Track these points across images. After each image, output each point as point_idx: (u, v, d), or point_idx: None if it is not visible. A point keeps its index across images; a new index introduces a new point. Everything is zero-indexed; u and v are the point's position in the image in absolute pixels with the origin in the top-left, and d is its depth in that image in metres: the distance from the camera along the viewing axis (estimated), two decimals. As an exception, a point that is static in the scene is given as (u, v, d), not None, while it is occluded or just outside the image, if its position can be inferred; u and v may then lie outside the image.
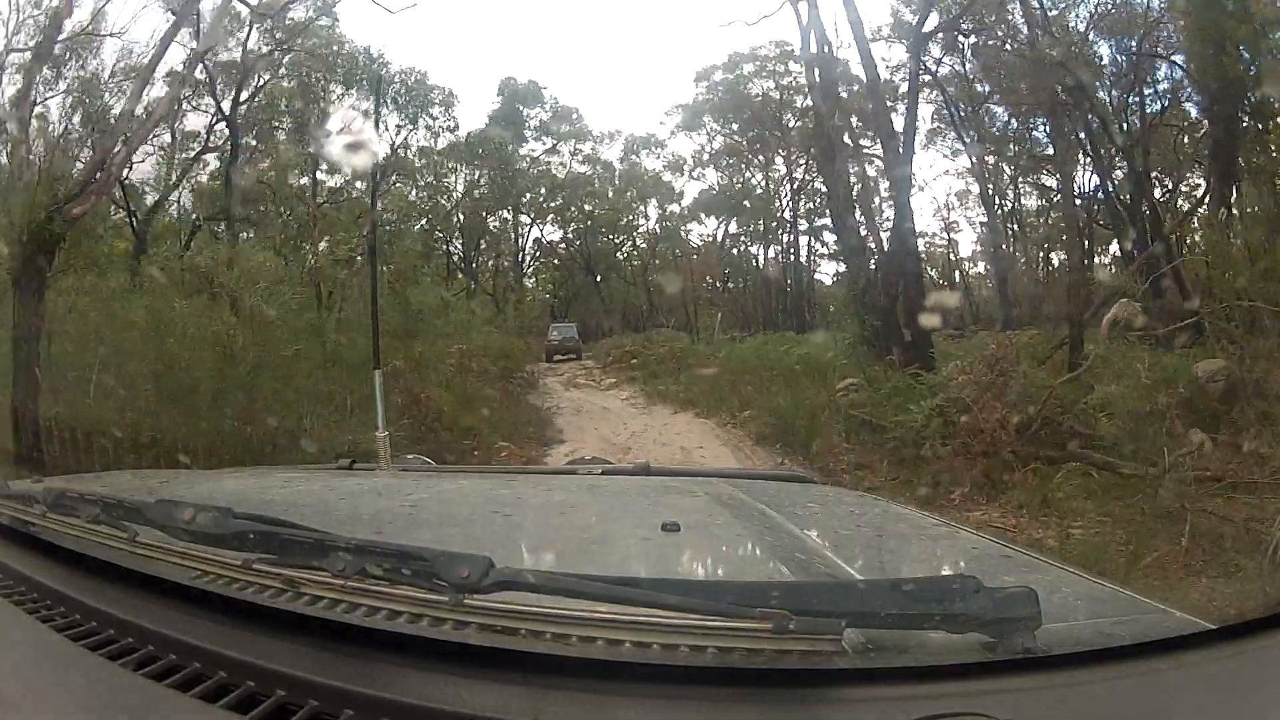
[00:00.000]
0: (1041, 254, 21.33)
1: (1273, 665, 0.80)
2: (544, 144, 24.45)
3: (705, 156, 24.56)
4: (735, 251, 24.85)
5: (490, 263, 24.97)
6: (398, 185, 20.38)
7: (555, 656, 0.74)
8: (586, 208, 25.24)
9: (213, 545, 0.92)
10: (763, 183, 24.34)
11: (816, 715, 0.71)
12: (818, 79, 13.28)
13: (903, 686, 0.72)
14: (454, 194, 23.61)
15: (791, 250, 24.23)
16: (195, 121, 15.92)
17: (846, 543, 1.33)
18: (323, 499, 1.47)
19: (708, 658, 0.73)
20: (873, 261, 12.13)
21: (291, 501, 1.44)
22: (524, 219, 25.31)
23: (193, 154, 16.27)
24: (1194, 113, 15.25)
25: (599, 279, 25.54)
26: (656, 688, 0.71)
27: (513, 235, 24.95)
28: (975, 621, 0.73)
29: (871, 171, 21.47)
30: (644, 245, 25.73)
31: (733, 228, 24.87)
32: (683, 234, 25.33)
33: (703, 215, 24.85)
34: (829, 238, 23.39)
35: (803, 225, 23.92)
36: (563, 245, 25.70)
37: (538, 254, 26.05)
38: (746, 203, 24.31)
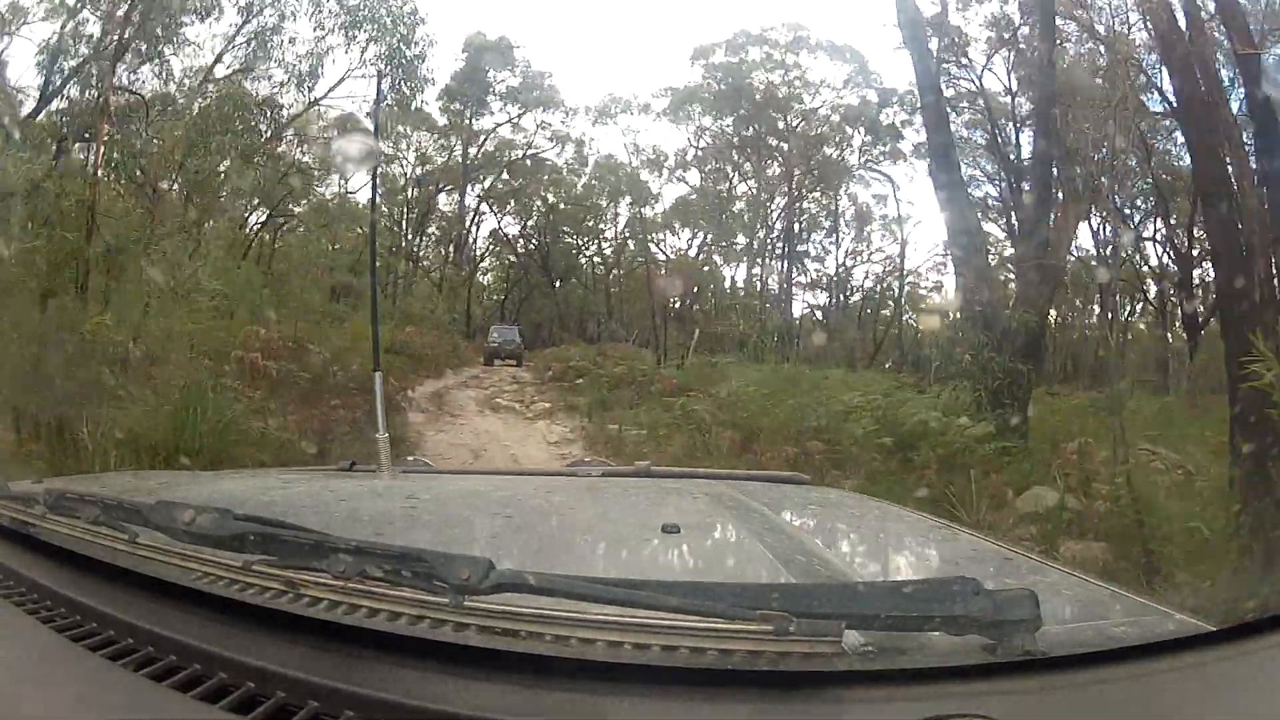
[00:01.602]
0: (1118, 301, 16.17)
1: (1273, 666, 0.80)
2: (508, 114, 21.38)
3: (690, 155, 21.84)
4: (706, 269, 22.62)
5: (440, 250, 22.50)
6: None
7: (555, 658, 0.74)
8: (549, 198, 22.63)
9: (213, 546, 0.92)
10: (751, 191, 21.89)
11: (816, 717, 0.71)
12: (917, 41, 10.83)
13: (903, 688, 0.72)
14: (401, 160, 20.36)
15: (779, 273, 21.83)
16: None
17: (846, 544, 1.33)
18: (323, 500, 1.47)
19: (708, 659, 0.73)
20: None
21: (291, 503, 1.44)
22: (479, 203, 22.44)
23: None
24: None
25: (556, 281, 23.15)
26: (657, 689, 0.71)
27: (462, 219, 22.13)
28: (975, 623, 0.73)
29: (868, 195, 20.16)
30: (609, 250, 23.37)
31: (701, 240, 22.38)
32: (654, 242, 22.83)
33: (677, 224, 22.41)
34: (810, 265, 21.59)
35: (778, 249, 21.55)
36: (520, 239, 23.32)
37: (494, 247, 23.66)
38: (728, 214, 21.86)
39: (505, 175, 22.25)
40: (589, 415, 11.54)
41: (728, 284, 22.68)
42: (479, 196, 22.46)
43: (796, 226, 21.44)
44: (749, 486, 1.68)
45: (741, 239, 22.06)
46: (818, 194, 21.36)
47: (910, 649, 0.75)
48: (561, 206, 22.77)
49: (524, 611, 0.77)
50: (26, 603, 0.93)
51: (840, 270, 21.90)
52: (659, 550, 1.13)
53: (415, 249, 21.83)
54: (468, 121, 21.36)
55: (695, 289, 22.17)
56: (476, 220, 22.75)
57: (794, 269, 21.75)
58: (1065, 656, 0.75)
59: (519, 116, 21.75)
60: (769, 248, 21.73)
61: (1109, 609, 1.06)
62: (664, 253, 23.03)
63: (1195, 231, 14.71)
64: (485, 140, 21.78)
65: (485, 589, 0.77)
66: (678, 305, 21.60)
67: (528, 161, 22.33)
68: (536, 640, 0.76)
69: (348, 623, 0.79)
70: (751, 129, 21.02)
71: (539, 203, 22.89)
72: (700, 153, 22.02)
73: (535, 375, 16.10)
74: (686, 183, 22.51)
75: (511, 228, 23.31)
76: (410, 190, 21.31)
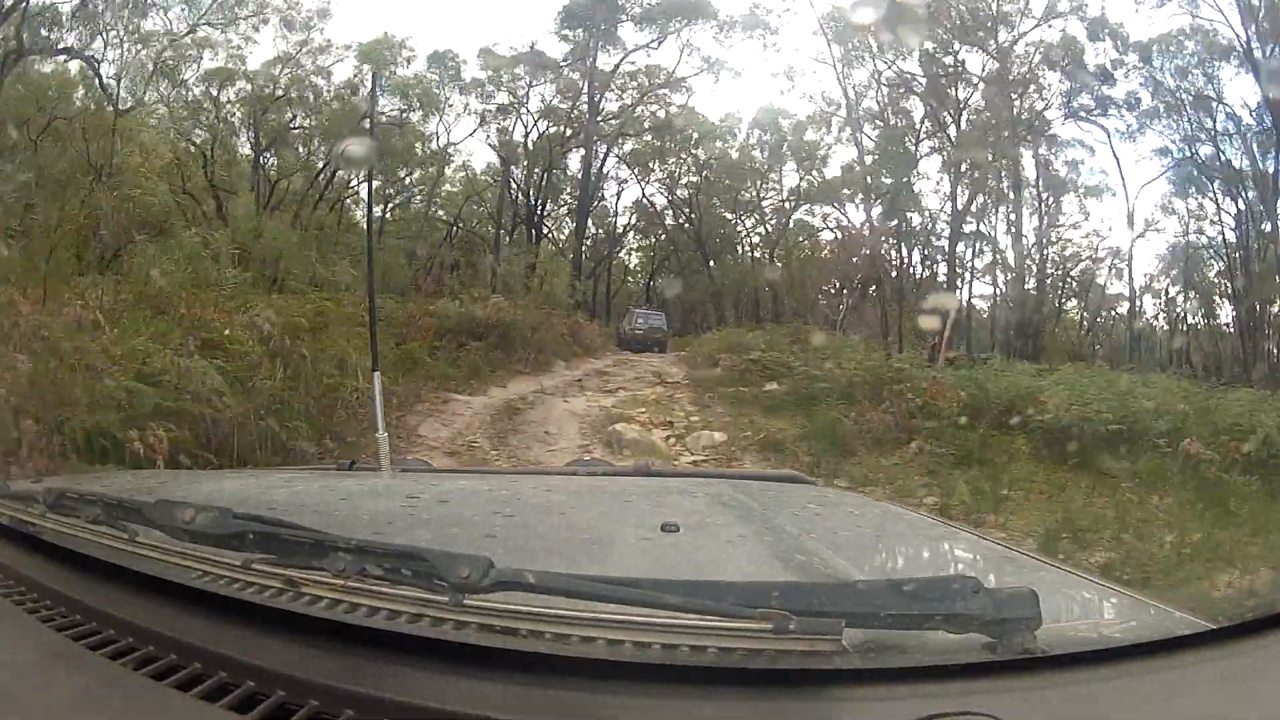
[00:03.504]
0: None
1: (1273, 665, 0.80)
2: (645, 36, 16.66)
3: (863, 108, 16.95)
4: (885, 247, 17.87)
5: (572, 220, 18.86)
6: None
7: (555, 656, 0.74)
8: (699, 154, 18.41)
9: (213, 545, 0.92)
10: (939, 148, 17.13)
11: (817, 715, 0.71)
12: None
13: (903, 686, 0.72)
14: (522, 110, 16.47)
15: (976, 249, 17.25)
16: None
17: (846, 543, 1.33)
18: (323, 499, 1.47)
19: (708, 658, 0.73)
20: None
21: (291, 502, 1.44)
22: (604, 160, 18.12)
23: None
24: None
25: (710, 259, 19.20)
26: (657, 688, 0.71)
27: (587, 173, 17.74)
28: (975, 622, 0.73)
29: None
30: (772, 222, 19.21)
31: (880, 212, 17.75)
32: (820, 215, 18.77)
33: (848, 192, 17.90)
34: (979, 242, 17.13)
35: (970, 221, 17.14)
36: (669, 209, 19.21)
37: (638, 221, 19.75)
38: (910, 179, 16.92)
39: (643, 123, 17.90)
40: (817, 469, 5.87)
41: (908, 263, 18.61)
42: (617, 158, 18.49)
43: (981, 197, 17.01)
44: (749, 486, 1.68)
45: (925, 209, 17.76)
46: (1015, 153, 16.76)
47: (910, 647, 0.75)
48: (714, 163, 18.74)
49: (524, 610, 0.77)
50: (26, 602, 0.93)
51: (1039, 248, 17.73)
52: (659, 549, 1.13)
53: (538, 216, 17.98)
54: (592, 60, 16.93)
55: (878, 269, 17.83)
56: (617, 189, 18.99)
57: (975, 247, 17.62)
58: (1065, 655, 0.75)
59: (657, 42, 17.14)
60: (960, 220, 17.36)
61: (1109, 608, 1.06)
62: (829, 228, 19.12)
63: None
64: (617, 69, 16.95)
65: (485, 587, 0.77)
66: (856, 287, 17.72)
67: (672, 103, 17.54)
68: (536, 639, 0.76)
69: (348, 621, 0.79)
70: (940, 76, 16.17)
71: (689, 161, 18.80)
72: (882, 100, 17.14)
73: (687, 369, 10.75)
74: (868, 136, 17.49)
75: (657, 198, 19.56)
76: (528, 144, 17.46)
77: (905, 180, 17.24)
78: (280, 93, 15.05)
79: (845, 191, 18.24)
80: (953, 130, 16.89)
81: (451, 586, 0.78)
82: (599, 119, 17.56)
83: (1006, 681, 0.73)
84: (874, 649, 0.75)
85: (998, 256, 17.84)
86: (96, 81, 13.51)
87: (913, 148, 17.35)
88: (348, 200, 16.12)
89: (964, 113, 16.71)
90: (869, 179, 17.30)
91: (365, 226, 15.58)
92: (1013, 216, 17.37)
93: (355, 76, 15.47)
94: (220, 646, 0.78)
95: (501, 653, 0.74)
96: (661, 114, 18.08)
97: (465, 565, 0.78)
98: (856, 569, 1.14)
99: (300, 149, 15.45)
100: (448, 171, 17.47)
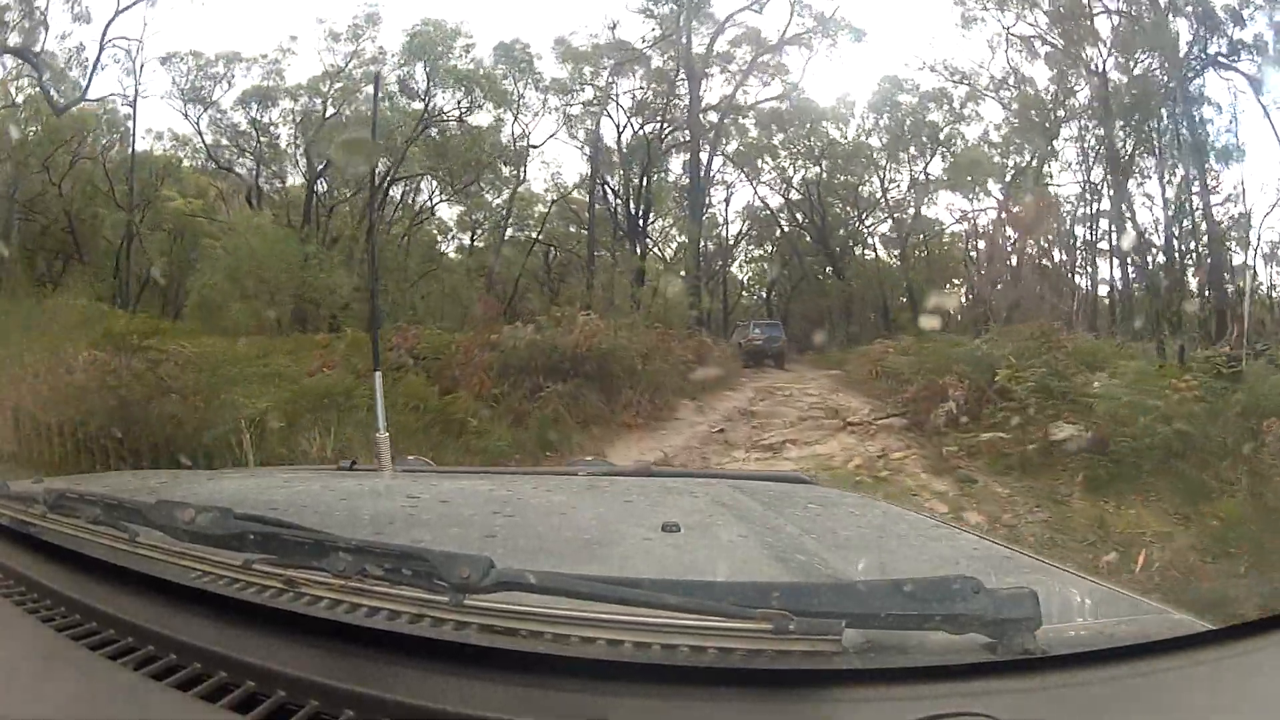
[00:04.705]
0: None
1: (1273, 665, 0.80)
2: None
3: (986, 78, 14.45)
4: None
5: (675, 228, 16.80)
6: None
7: (555, 656, 0.74)
8: (813, 142, 15.95)
9: (213, 546, 0.92)
10: (1081, 111, 14.46)
11: (817, 715, 0.71)
12: None
13: (903, 687, 0.72)
14: (608, 106, 14.49)
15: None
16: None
17: (846, 544, 1.33)
18: (323, 499, 1.47)
19: (708, 658, 0.73)
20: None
21: (292, 502, 1.44)
22: (722, 169, 16.00)
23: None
24: None
25: (833, 264, 16.87)
26: (657, 688, 0.72)
27: (696, 163, 15.38)
28: (975, 622, 0.73)
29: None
30: (897, 214, 16.82)
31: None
32: (945, 206, 16.69)
33: (970, 179, 15.63)
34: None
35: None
36: (785, 209, 17.07)
37: (751, 229, 17.65)
38: (1046, 157, 14.28)
39: (749, 111, 15.80)
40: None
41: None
42: (723, 156, 16.12)
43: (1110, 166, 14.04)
44: (749, 486, 1.68)
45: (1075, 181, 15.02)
46: (1181, 107, 13.79)
47: (910, 648, 0.75)
48: (831, 150, 16.29)
49: (524, 610, 0.77)
50: (26, 602, 0.93)
51: (1188, 219, 14.39)
52: (659, 549, 1.13)
53: (640, 225, 15.99)
54: (686, 33, 14.28)
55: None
56: (725, 195, 16.80)
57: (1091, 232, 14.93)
58: (1065, 655, 0.75)
59: (759, 2, 14.58)
60: (1122, 192, 14.53)
61: (1109, 608, 1.06)
62: (957, 219, 16.46)
63: None
64: (714, 40, 14.42)
65: (485, 587, 0.77)
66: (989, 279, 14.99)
67: (786, 71, 15.14)
68: (536, 639, 0.76)
69: (348, 621, 0.79)
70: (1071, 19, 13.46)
71: (802, 152, 16.41)
72: (1009, 65, 14.68)
73: (876, 403, 8.19)
74: (1001, 105, 14.92)
75: (771, 199, 17.37)
76: (620, 144, 15.56)
77: (1049, 151, 14.88)
78: (331, 111, 14.40)
79: (969, 179, 15.72)
80: (1086, 92, 14.38)
81: (452, 587, 0.78)
82: (700, 110, 15.38)
83: (1006, 681, 0.73)
84: (874, 649, 0.75)
85: (1162, 228, 14.74)
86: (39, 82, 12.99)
87: (1048, 115, 14.93)
88: (421, 229, 15.65)
89: (1104, 69, 14.11)
90: (1007, 158, 15.02)
91: (444, 254, 15.01)
92: (1155, 185, 14.55)
93: (404, 69, 14.56)
94: (220, 646, 0.78)
95: (501, 653, 0.74)
96: (770, 94, 15.83)
97: (465, 565, 0.78)
98: (857, 569, 1.14)
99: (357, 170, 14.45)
100: (533, 186, 16.01)
